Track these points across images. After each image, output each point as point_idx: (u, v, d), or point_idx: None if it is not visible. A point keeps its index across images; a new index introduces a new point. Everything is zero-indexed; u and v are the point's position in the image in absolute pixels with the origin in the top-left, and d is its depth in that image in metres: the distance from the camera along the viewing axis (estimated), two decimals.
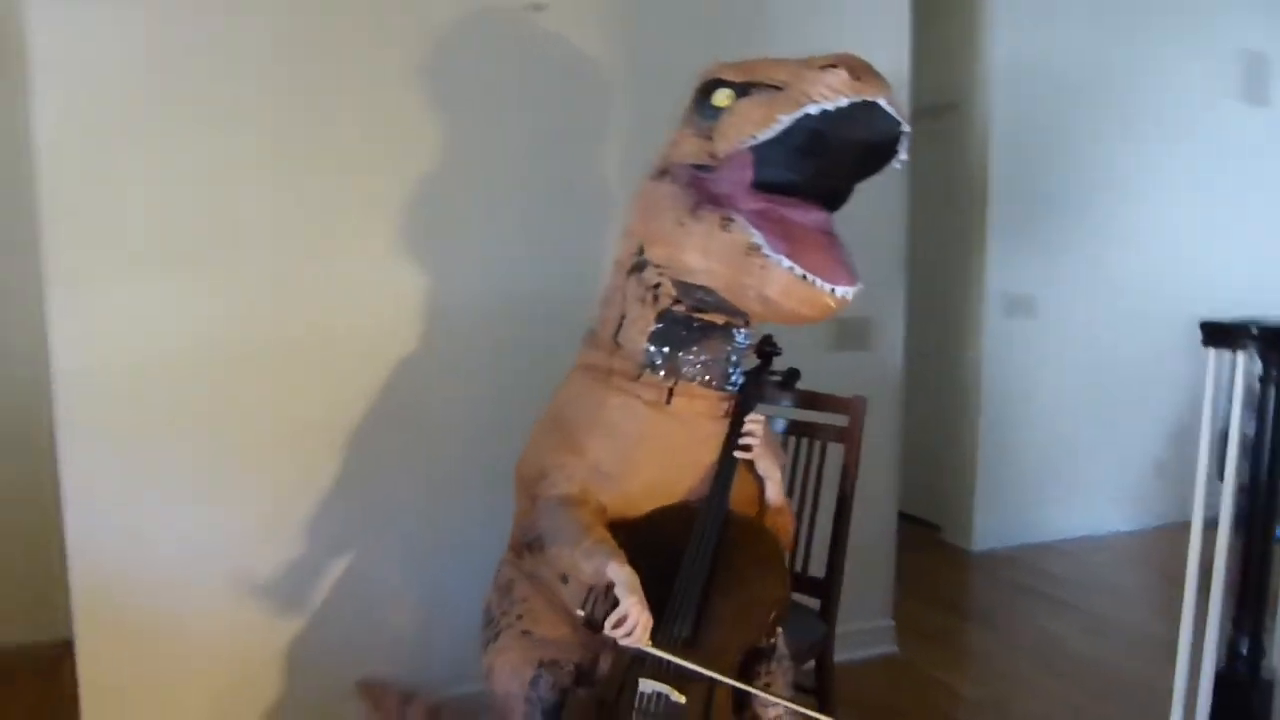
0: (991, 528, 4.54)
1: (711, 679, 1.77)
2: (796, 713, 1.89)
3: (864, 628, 3.35)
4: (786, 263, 1.73)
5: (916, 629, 3.55)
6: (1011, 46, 4.33)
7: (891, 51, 3.22)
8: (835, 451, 2.50)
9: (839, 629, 3.16)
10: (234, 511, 2.62)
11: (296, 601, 2.70)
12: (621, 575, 1.78)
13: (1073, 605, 3.81)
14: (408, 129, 2.68)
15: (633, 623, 1.74)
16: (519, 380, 2.71)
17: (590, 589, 1.90)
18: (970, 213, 4.46)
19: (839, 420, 2.49)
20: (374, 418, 2.72)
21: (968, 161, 4.46)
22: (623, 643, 1.75)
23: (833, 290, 1.74)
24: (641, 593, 1.77)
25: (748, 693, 1.87)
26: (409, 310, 2.73)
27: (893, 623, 3.42)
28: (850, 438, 2.48)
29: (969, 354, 4.52)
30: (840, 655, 3.13)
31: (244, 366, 2.59)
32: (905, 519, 4.83)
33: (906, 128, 1.74)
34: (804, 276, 1.72)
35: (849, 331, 3.25)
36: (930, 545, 4.62)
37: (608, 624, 1.75)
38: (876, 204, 3.23)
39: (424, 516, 2.80)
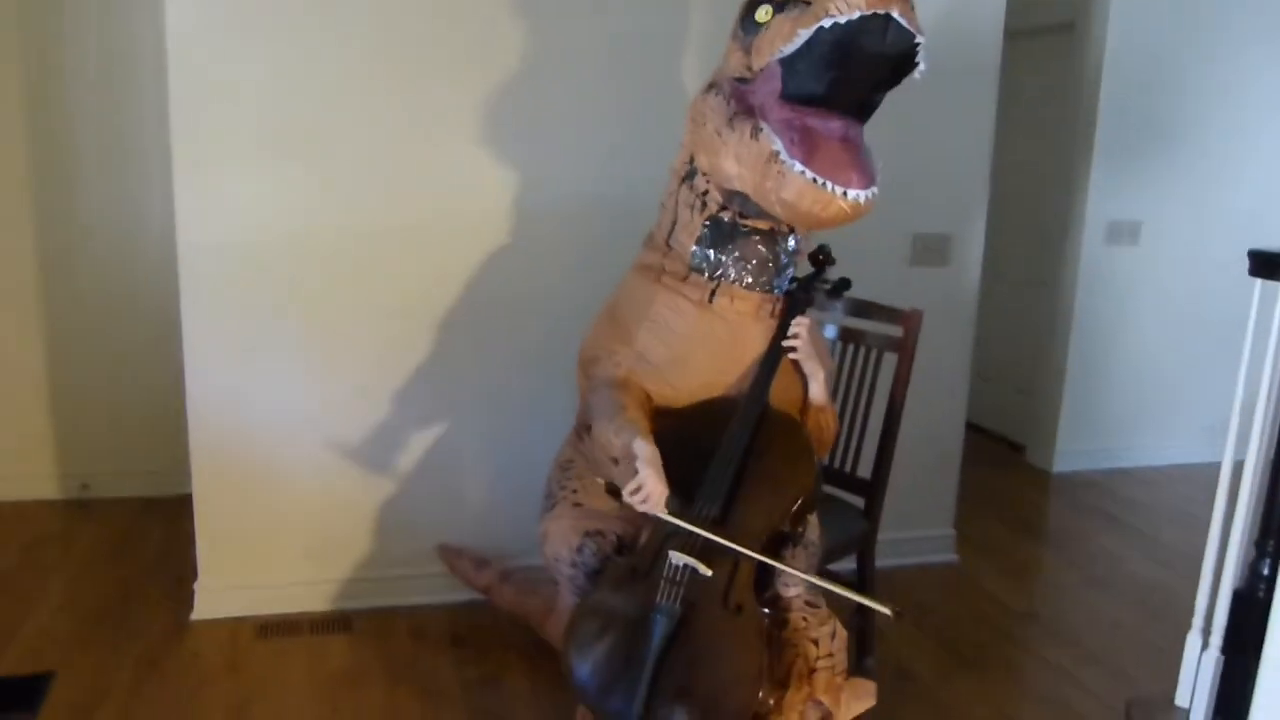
0: (1075, 451, 4.54)
1: (735, 552, 1.93)
2: (814, 588, 2.05)
3: (925, 535, 3.46)
4: (799, 167, 1.83)
5: (980, 542, 3.64)
6: None
7: None
8: (890, 361, 2.59)
9: (899, 534, 3.32)
10: (333, 382, 2.89)
11: (385, 468, 2.98)
12: (643, 450, 1.95)
13: (1139, 530, 3.83)
14: (499, 37, 2.82)
15: (646, 492, 1.91)
16: (597, 275, 2.87)
17: (619, 463, 2.07)
18: (1078, 135, 4.34)
19: (895, 331, 2.57)
20: (462, 304, 2.94)
21: (1079, 83, 4.32)
22: (639, 509, 1.93)
23: (844, 193, 1.83)
24: (659, 467, 1.94)
25: (769, 572, 2.04)
26: (497, 206, 2.91)
27: (953, 532, 3.51)
28: (904, 349, 2.56)
29: (1064, 278, 4.45)
30: (898, 559, 3.31)
31: (347, 251, 2.83)
32: (989, 436, 4.90)
33: (921, 39, 1.79)
34: (815, 180, 1.82)
35: (928, 246, 3.29)
36: (1012, 464, 4.65)
37: (625, 491, 1.93)
38: (961, 121, 3.24)
39: (504, 399, 3.03)
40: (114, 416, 3.79)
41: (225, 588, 2.92)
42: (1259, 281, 2.00)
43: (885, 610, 1.87)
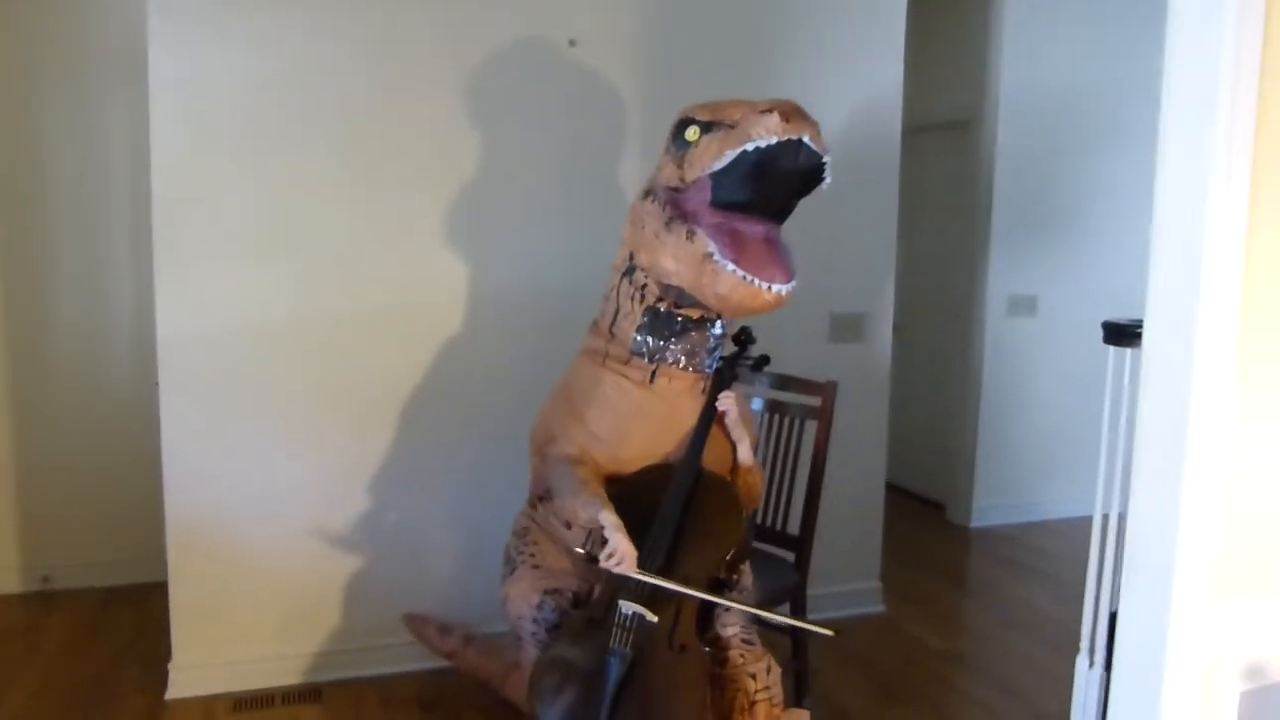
0: (989, 507, 4.89)
1: (680, 595, 2.20)
2: (746, 623, 2.32)
3: (853, 588, 3.75)
4: (730, 266, 2.15)
5: (904, 592, 3.94)
6: (1016, 72, 4.65)
7: (887, 78, 3.58)
8: (812, 428, 2.90)
9: (829, 589, 3.60)
10: (305, 466, 3.11)
11: (355, 544, 3.19)
12: (610, 520, 2.22)
13: (1050, 576, 4.16)
14: (459, 145, 3.14)
15: (620, 555, 2.18)
16: (547, 360, 3.17)
17: (589, 532, 2.35)
18: (977, 220, 4.80)
19: (813, 402, 2.89)
20: (422, 389, 3.19)
21: (976, 174, 4.80)
22: (614, 570, 2.19)
23: (769, 287, 2.15)
24: (625, 533, 2.21)
25: (710, 616, 2.31)
26: (455, 297, 3.20)
27: (879, 584, 3.80)
28: (823, 416, 2.88)
29: (974, 349, 4.86)
30: (829, 612, 3.58)
31: (316, 342, 3.08)
32: (912, 497, 5.25)
33: (827, 158, 2.14)
34: (745, 277, 2.14)
35: (844, 325, 3.64)
36: (933, 521, 4.98)
37: (601, 557, 2.19)
38: (870, 215, 3.62)
39: (465, 475, 3.27)
40: (75, 509, 3.93)
41: (199, 666, 3.07)
42: (1111, 349, 2.36)
43: (825, 631, 2.16)
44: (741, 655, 2.31)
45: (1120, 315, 2.42)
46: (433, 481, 3.25)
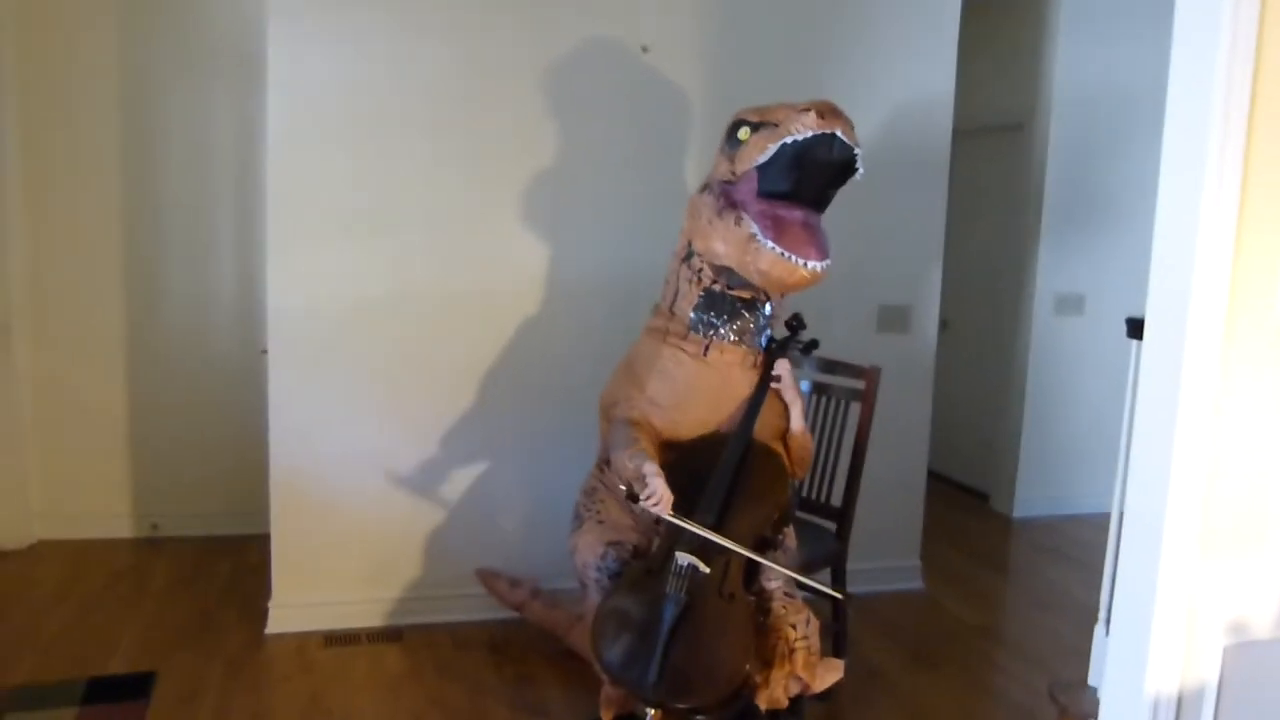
0: (1032, 498, 5.07)
1: (729, 549, 2.47)
2: (789, 579, 2.58)
3: (894, 565, 3.98)
4: (770, 244, 2.42)
5: (944, 572, 4.16)
6: (1069, 75, 4.81)
7: (938, 82, 3.80)
8: (855, 410, 3.14)
9: (871, 564, 3.83)
10: (393, 430, 3.44)
11: (436, 502, 3.52)
12: (651, 468, 2.49)
13: (1085, 564, 4.34)
14: (537, 140, 3.44)
15: (657, 497, 2.43)
16: (612, 340, 3.45)
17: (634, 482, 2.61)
18: (1027, 220, 4.98)
19: (857, 384, 3.13)
20: (503, 362, 3.50)
21: (1028, 175, 4.97)
22: (652, 511, 2.45)
23: (805, 263, 2.42)
24: (664, 479, 2.45)
25: (756, 569, 2.58)
26: (534, 280, 3.50)
27: (919, 562, 4.03)
28: (866, 399, 3.12)
29: (1020, 345, 5.04)
30: (871, 586, 3.82)
31: (407, 317, 3.40)
32: (957, 487, 5.43)
33: (859, 150, 2.40)
34: (783, 254, 2.41)
35: (890, 317, 3.87)
36: (977, 510, 5.18)
37: (641, 497, 2.46)
38: (918, 211, 3.85)
39: (535, 443, 3.57)
40: (182, 464, 4.33)
41: (294, 606, 3.42)
42: (1134, 343, 2.57)
43: (834, 594, 2.41)
44: (784, 607, 2.57)
45: None
46: (506, 449, 3.56)
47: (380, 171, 3.33)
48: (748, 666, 2.47)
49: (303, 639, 3.37)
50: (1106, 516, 5.07)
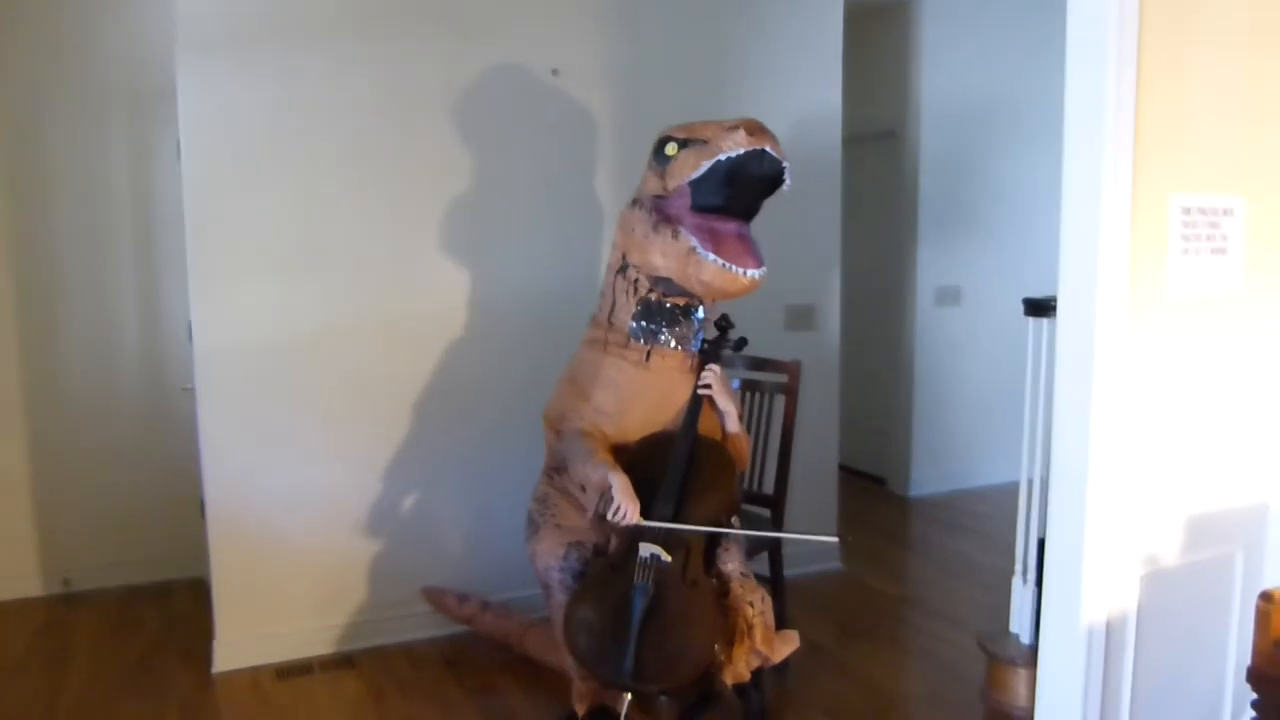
0: (925, 478, 5.44)
1: (691, 533, 2.64)
2: (745, 547, 2.78)
3: (816, 548, 4.22)
4: (711, 257, 2.61)
5: (859, 552, 4.44)
6: (935, 85, 5.22)
7: (828, 96, 4.09)
8: (780, 402, 3.36)
9: (797, 547, 4.05)
10: (330, 460, 3.47)
11: (377, 527, 3.56)
12: (616, 481, 2.64)
13: (979, 532, 4.71)
14: (458, 165, 3.54)
15: (624, 510, 2.60)
16: (541, 355, 3.59)
17: (601, 494, 2.76)
18: (904, 220, 5.36)
19: (781, 379, 3.36)
20: (433, 386, 3.58)
21: (902, 179, 5.35)
22: (622, 524, 2.61)
23: (745, 272, 2.62)
24: (631, 492, 2.63)
25: (713, 555, 2.75)
26: (458, 303, 3.59)
27: (837, 544, 4.29)
28: (790, 391, 3.35)
29: (905, 337, 5.41)
30: (795, 569, 4.04)
31: (334, 346, 3.44)
32: (856, 474, 5.76)
33: (786, 164, 2.61)
34: (724, 265, 2.60)
35: (797, 315, 4.13)
36: (876, 494, 5.51)
37: (609, 513, 2.61)
38: (817, 217, 4.12)
39: (471, 461, 3.66)
40: (92, 513, 4.19)
41: (241, 641, 3.40)
42: (1030, 320, 2.87)
43: (830, 539, 2.61)
44: (740, 586, 2.75)
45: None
46: (443, 469, 3.63)
47: (302, 204, 3.37)
48: (716, 646, 2.64)
49: (254, 674, 3.35)
50: (994, 489, 5.55)
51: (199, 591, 4.06)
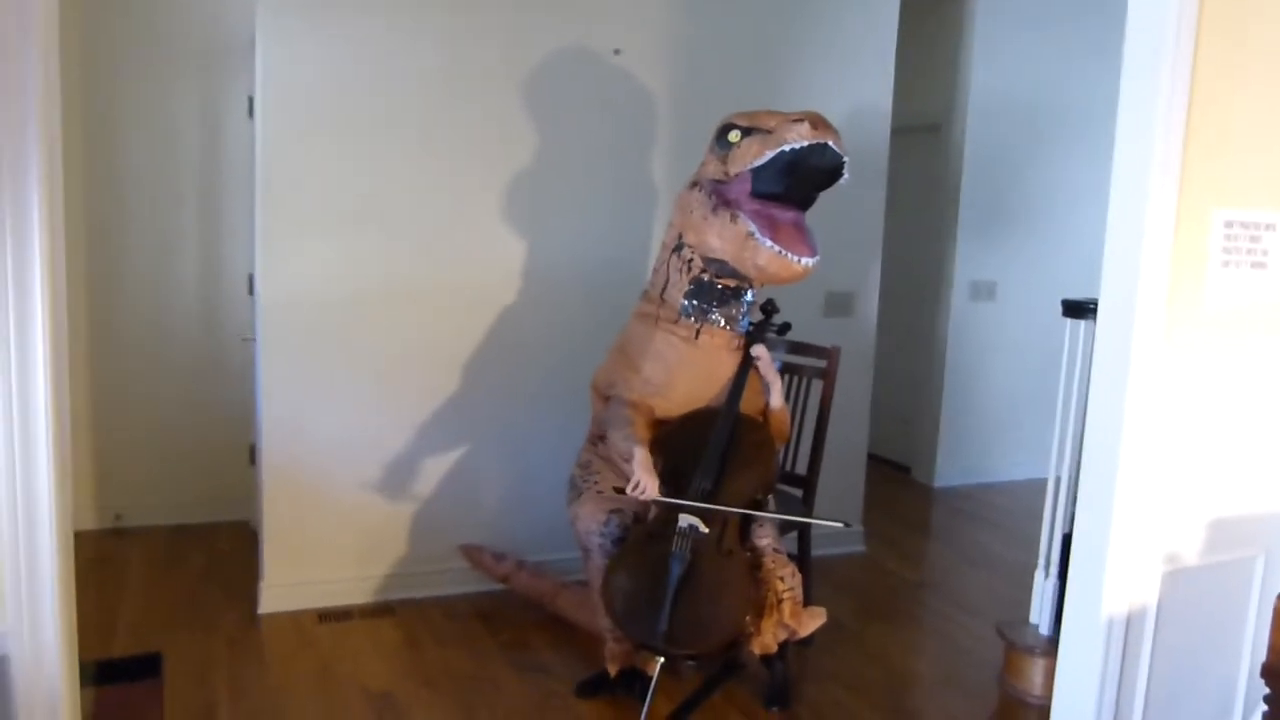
0: (951, 470, 5.53)
1: (725, 512, 2.75)
2: (778, 534, 2.89)
3: (841, 531, 4.32)
4: (769, 243, 2.70)
5: (881, 537, 4.54)
6: (984, 81, 5.26)
7: (879, 89, 4.16)
8: (818, 386, 3.46)
9: (821, 531, 4.15)
10: (381, 414, 3.60)
11: (422, 482, 3.69)
12: (638, 456, 2.75)
13: (1001, 525, 4.81)
14: (516, 137, 3.64)
15: (642, 486, 2.71)
16: (588, 327, 3.70)
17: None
18: (945, 214, 5.41)
19: (820, 363, 3.45)
20: (483, 348, 3.70)
21: (945, 173, 5.40)
22: (640, 499, 2.73)
23: (799, 259, 2.71)
24: (650, 468, 2.73)
25: (749, 529, 2.87)
26: (512, 270, 3.71)
27: (862, 529, 4.40)
28: (828, 376, 3.44)
29: (939, 329, 5.48)
30: (822, 550, 4.15)
31: (391, 306, 3.56)
32: (883, 462, 5.85)
33: (846, 159, 2.70)
34: (780, 251, 2.70)
35: (836, 302, 4.22)
36: (902, 482, 5.61)
37: (627, 489, 2.73)
38: (860, 209, 4.20)
39: (515, 423, 3.78)
40: (146, 454, 4.36)
41: (286, 585, 3.55)
42: (1068, 321, 2.95)
43: (836, 524, 2.73)
44: (773, 561, 2.86)
45: (1058, 300, 3.02)
46: (487, 432, 3.75)
47: (368, 166, 3.48)
48: (747, 616, 2.76)
49: (296, 616, 3.51)
50: (1014, 484, 5.64)
51: (241, 534, 4.23)
